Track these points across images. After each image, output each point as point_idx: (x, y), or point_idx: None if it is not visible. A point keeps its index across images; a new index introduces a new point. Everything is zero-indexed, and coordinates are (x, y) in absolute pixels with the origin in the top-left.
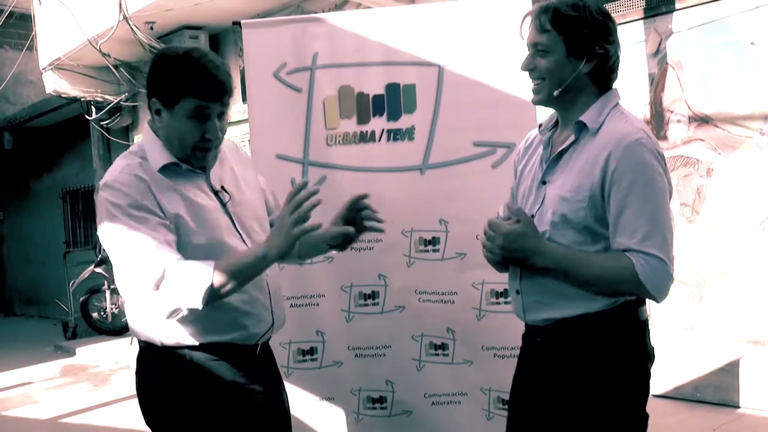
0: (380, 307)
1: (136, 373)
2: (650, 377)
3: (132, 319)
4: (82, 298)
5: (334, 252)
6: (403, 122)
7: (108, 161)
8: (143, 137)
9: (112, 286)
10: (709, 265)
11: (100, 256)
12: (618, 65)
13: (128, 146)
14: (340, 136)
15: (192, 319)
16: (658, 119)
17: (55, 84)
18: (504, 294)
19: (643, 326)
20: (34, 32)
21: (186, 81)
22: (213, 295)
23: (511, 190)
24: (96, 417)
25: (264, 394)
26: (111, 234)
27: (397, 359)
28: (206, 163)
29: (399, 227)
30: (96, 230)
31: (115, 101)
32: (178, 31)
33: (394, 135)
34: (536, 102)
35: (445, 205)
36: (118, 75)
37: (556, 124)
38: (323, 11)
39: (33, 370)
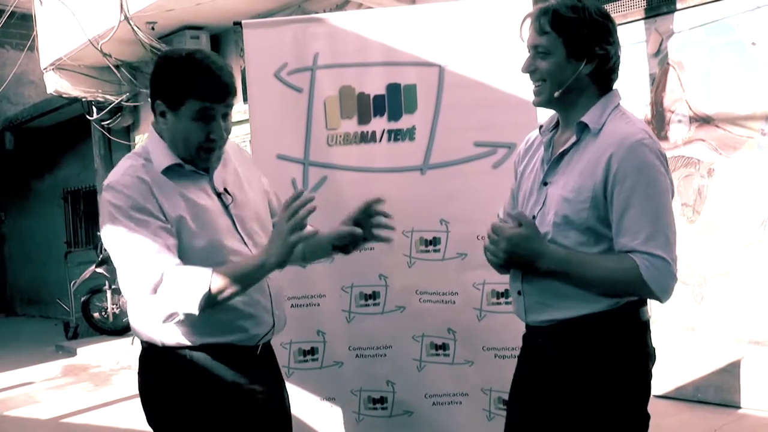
0: (381, 307)
1: (138, 373)
2: (651, 378)
3: (134, 320)
4: (83, 298)
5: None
6: (404, 122)
7: (109, 161)
8: (147, 138)
9: (113, 286)
10: (710, 266)
11: (101, 256)
12: (618, 66)
13: (129, 146)
14: (340, 136)
15: (192, 320)
16: (659, 119)
17: (57, 84)
18: (505, 294)
19: (644, 327)
20: (35, 32)
21: (190, 83)
22: (210, 302)
23: (512, 191)
24: (97, 417)
25: (264, 394)
26: (112, 236)
27: (397, 359)
28: (210, 164)
29: (400, 227)
30: (97, 230)
31: (116, 101)
32: (179, 31)
33: (395, 135)
34: (537, 104)
35: (445, 205)
36: (119, 75)
37: (556, 126)
38: (324, 11)
39: (34, 370)
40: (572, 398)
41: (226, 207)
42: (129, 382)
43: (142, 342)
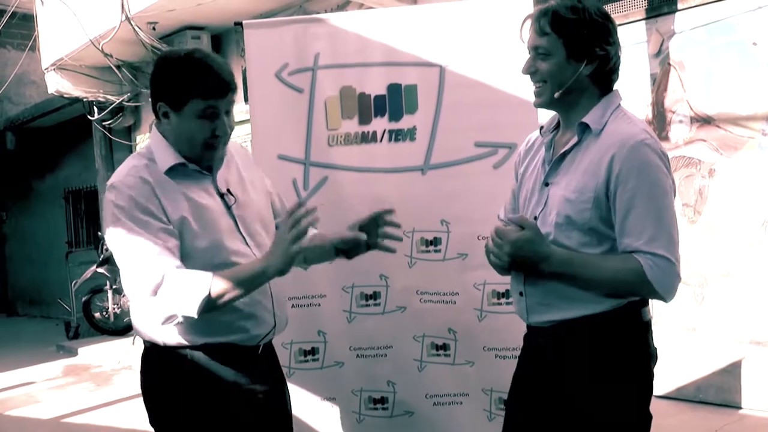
0: (381, 307)
1: (140, 372)
2: (654, 377)
3: (136, 319)
4: (84, 298)
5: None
6: (405, 123)
7: (110, 161)
8: (150, 139)
9: (114, 286)
10: (711, 266)
11: (102, 256)
12: (619, 66)
13: (130, 147)
14: (341, 136)
15: (193, 320)
16: (660, 120)
17: (58, 84)
18: (505, 294)
19: (646, 327)
20: (36, 32)
21: (192, 82)
22: (209, 306)
23: (512, 192)
24: (98, 417)
25: (265, 394)
26: (115, 236)
27: (398, 360)
28: (215, 161)
29: (400, 228)
30: (98, 230)
31: (118, 101)
32: (181, 31)
33: (396, 135)
34: (538, 105)
35: (446, 205)
36: (120, 75)
37: (557, 126)
38: (325, 11)
39: (35, 370)
40: (574, 398)
41: (228, 207)
42: (130, 382)
43: (144, 341)
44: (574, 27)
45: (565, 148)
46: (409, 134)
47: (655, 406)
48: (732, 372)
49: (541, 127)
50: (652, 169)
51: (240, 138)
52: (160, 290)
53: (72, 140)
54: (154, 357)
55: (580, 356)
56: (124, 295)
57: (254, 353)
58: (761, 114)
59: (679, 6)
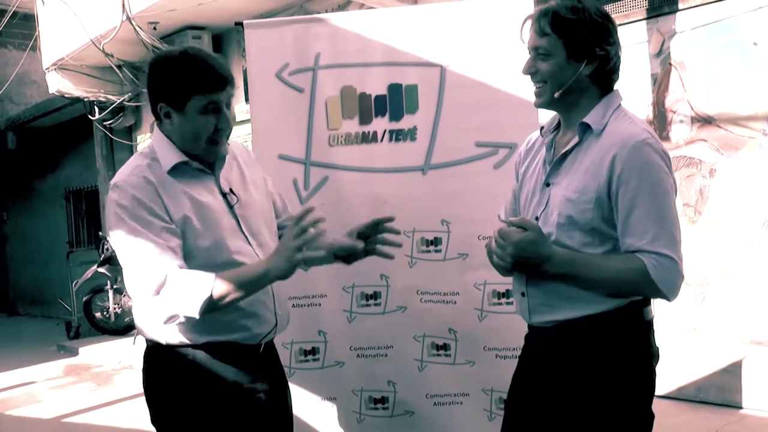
0: (382, 307)
1: (142, 371)
2: (656, 377)
3: (138, 318)
4: (85, 298)
5: None
6: (405, 123)
7: (111, 161)
8: (152, 139)
9: (115, 286)
10: (711, 266)
11: (103, 255)
12: (619, 66)
13: (131, 146)
14: (342, 136)
15: (195, 320)
16: (661, 119)
17: (59, 84)
18: (506, 294)
19: (648, 326)
20: (37, 32)
21: (192, 80)
22: (211, 306)
23: (513, 192)
24: (99, 417)
25: (266, 393)
26: (118, 235)
27: (398, 359)
28: (218, 156)
29: (401, 228)
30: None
31: (118, 101)
32: (182, 31)
33: (396, 135)
34: (538, 105)
35: (447, 205)
36: (121, 75)
37: (557, 127)
38: (326, 11)
39: (36, 369)
40: (576, 398)
41: (231, 207)
42: (131, 381)
43: (147, 340)
44: (574, 27)
45: (566, 148)
46: (410, 134)
47: (656, 406)
48: (733, 372)
49: (542, 128)
50: (653, 168)
51: (241, 138)
52: (162, 290)
53: (73, 140)
54: (157, 356)
55: (582, 356)
56: (124, 295)
57: (256, 352)
58: (762, 114)
59: (680, 6)
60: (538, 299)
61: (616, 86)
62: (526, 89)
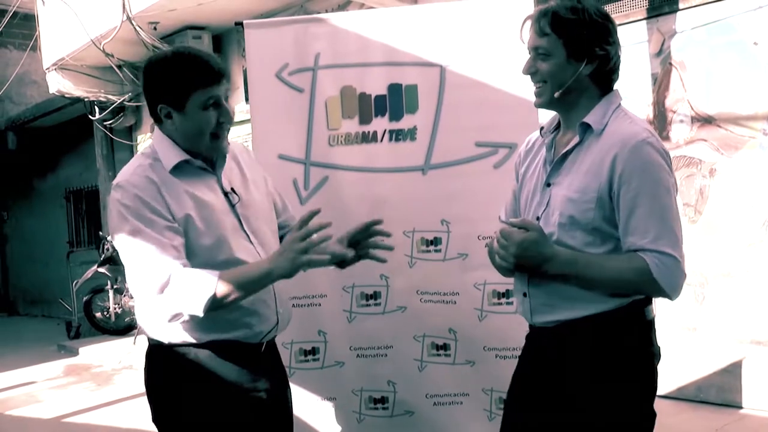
0: (382, 307)
1: (144, 370)
2: (657, 375)
3: (141, 317)
4: (85, 298)
5: None
6: (405, 122)
7: (111, 161)
8: (153, 140)
9: (115, 286)
10: (712, 266)
11: (103, 255)
12: (619, 66)
13: (131, 146)
14: (342, 136)
15: (198, 318)
16: (661, 119)
17: (59, 84)
18: (506, 294)
19: (649, 325)
20: (37, 32)
21: (189, 78)
22: (215, 305)
23: (513, 193)
24: (99, 417)
25: (267, 392)
26: (121, 235)
27: (398, 359)
28: (220, 153)
29: (401, 228)
30: (99, 230)
31: (119, 101)
32: (182, 31)
33: (396, 135)
34: (538, 105)
35: (446, 205)
36: (121, 75)
37: (557, 127)
38: (326, 11)
39: (36, 369)
40: (578, 397)
41: (232, 206)
42: (131, 381)
43: (149, 339)
44: (574, 27)
45: (567, 148)
46: (410, 134)
47: (656, 406)
48: (733, 372)
49: (542, 128)
50: (654, 168)
51: (241, 138)
52: (166, 289)
53: (73, 140)
54: (159, 355)
55: (583, 355)
56: (125, 295)
57: (257, 351)
58: (762, 114)
59: (680, 6)
60: (539, 299)
61: (615, 86)
62: (526, 89)
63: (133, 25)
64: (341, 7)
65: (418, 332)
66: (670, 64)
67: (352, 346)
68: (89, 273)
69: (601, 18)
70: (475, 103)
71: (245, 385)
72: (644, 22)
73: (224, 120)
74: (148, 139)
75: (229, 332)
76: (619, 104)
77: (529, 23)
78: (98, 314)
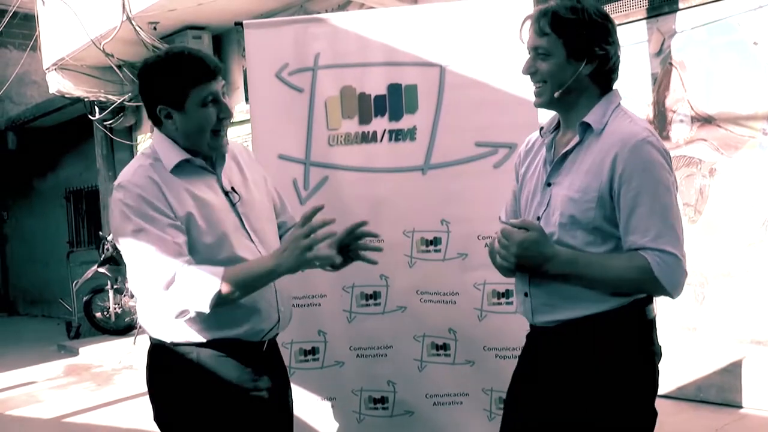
0: (382, 307)
1: (146, 369)
2: (659, 374)
3: (143, 317)
4: (85, 298)
5: None
6: (405, 122)
7: (111, 161)
8: (153, 141)
9: (115, 286)
10: (711, 265)
11: (103, 255)
12: (618, 66)
13: (131, 146)
14: (341, 136)
15: (201, 316)
16: (661, 119)
17: (59, 84)
18: (505, 294)
19: (650, 325)
20: (37, 32)
21: (186, 76)
22: (220, 301)
23: (513, 193)
24: (99, 416)
25: (269, 391)
26: (124, 234)
27: (398, 359)
28: (220, 151)
29: (400, 227)
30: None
31: (119, 101)
32: (182, 31)
33: (396, 135)
34: (538, 105)
35: (446, 205)
36: (121, 75)
37: (557, 127)
38: (326, 11)
39: (36, 369)
40: (579, 396)
41: (233, 205)
42: (131, 381)
43: (151, 339)
44: (574, 27)
45: (567, 148)
46: (410, 134)
47: (656, 406)
48: (733, 371)
49: (541, 128)
50: (655, 167)
51: (240, 138)
52: (172, 286)
53: (73, 140)
54: (161, 354)
55: (584, 355)
56: (125, 295)
57: (259, 350)
58: (762, 113)
59: (680, 5)
60: (540, 299)
61: (615, 86)
62: (526, 89)
63: (133, 25)
64: (341, 7)
65: (417, 332)
66: (670, 63)
67: (351, 346)
68: (89, 273)
69: (600, 18)
70: (475, 103)
71: (247, 385)
72: (644, 21)
73: (224, 116)
74: (148, 139)
75: (231, 330)
76: (619, 104)
77: (528, 23)
78: (98, 314)
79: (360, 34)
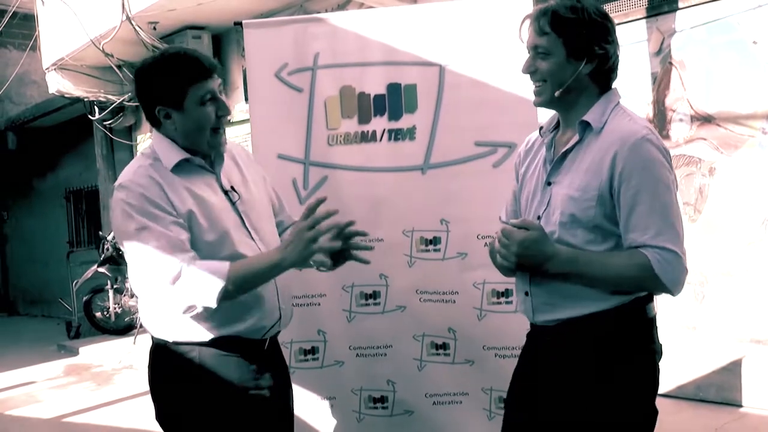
0: (381, 306)
1: (148, 368)
2: (659, 372)
3: (145, 317)
4: (85, 298)
5: None
6: (404, 122)
7: (111, 161)
8: (152, 141)
9: (115, 286)
10: (711, 264)
11: (103, 255)
12: (618, 65)
13: (131, 146)
14: (341, 136)
15: (202, 314)
16: (661, 118)
17: (59, 84)
18: (505, 294)
19: (651, 323)
20: (37, 32)
21: (184, 75)
22: (227, 295)
23: (514, 193)
24: (99, 416)
25: (270, 390)
26: (127, 233)
27: (398, 359)
28: (219, 149)
29: (400, 227)
30: (99, 230)
31: (118, 101)
32: (181, 31)
33: (395, 135)
34: (538, 104)
35: (446, 204)
36: (121, 75)
37: (557, 126)
38: (326, 11)
39: (36, 369)
40: (580, 395)
41: (233, 203)
42: (131, 381)
43: (153, 338)
44: (574, 26)
45: (567, 147)
46: (409, 133)
47: (656, 405)
48: (732, 370)
49: (541, 128)
50: (654, 165)
51: (240, 138)
52: (178, 282)
53: (73, 140)
54: (162, 353)
55: (585, 353)
56: (125, 295)
57: (260, 348)
58: (761, 112)
59: (680, 5)
60: (541, 298)
61: (615, 85)
62: (525, 88)
63: (132, 25)
64: (340, 7)
65: (417, 331)
66: (670, 63)
67: (351, 346)
68: (89, 273)
69: (600, 17)
70: (474, 103)
71: (248, 384)
72: (644, 21)
73: (222, 113)
74: (147, 139)
75: (233, 327)
76: (618, 102)
77: (528, 22)
78: (98, 314)
79: (359, 34)
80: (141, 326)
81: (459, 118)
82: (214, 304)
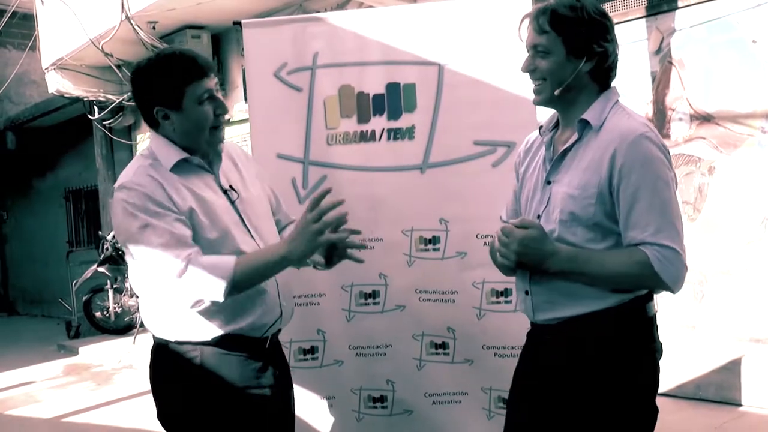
0: (381, 306)
1: (149, 367)
2: (660, 371)
3: (146, 316)
4: (84, 298)
5: None
6: (404, 121)
7: (111, 161)
8: (151, 142)
9: (114, 286)
10: (710, 264)
11: (103, 255)
12: (617, 63)
13: (131, 146)
14: (340, 135)
15: (202, 313)
16: (660, 117)
17: (58, 84)
18: (504, 293)
19: (651, 322)
20: (36, 32)
21: (180, 75)
22: (234, 289)
23: (514, 193)
24: (99, 416)
25: (272, 390)
26: (130, 232)
27: (397, 358)
28: (218, 149)
29: (399, 226)
30: (99, 230)
31: (118, 101)
32: (180, 30)
33: (395, 134)
34: (538, 102)
35: (445, 204)
36: (120, 75)
37: (556, 125)
38: (325, 10)
39: (36, 369)
40: (581, 394)
41: (232, 202)
42: (131, 381)
43: (154, 338)
44: (573, 25)
45: (566, 145)
46: (408, 133)
47: (656, 403)
48: (732, 369)
49: (540, 127)
50: (654, 162)
51: (240, 137)
52: (185, 275)
53: (72, 140)
54: (164, 353)
55: (585, 352)
56: (124, 294)
57: (262, 346)
58: (761, 112)
59: (679, 4)
60: (541, 297)
61: (614, 83)
62: (525, 87)
63: (132, 24)
64: (340, 6)
65: (416, 331)
66: (669, 62)
67: (351, 345)
68: (89, 273)
69: (599, 15)
70: (474, 102)
71: (250, 383)
72: (643, 20)
73: (221, 112)
74: (147, 139)
75: (235, 324)
76: (617, 101)
77: (527, 21)
78: (98, 314)
79: (358, 33)
80: (141, 326)
81: (458, 117)
82: (221, 298)
